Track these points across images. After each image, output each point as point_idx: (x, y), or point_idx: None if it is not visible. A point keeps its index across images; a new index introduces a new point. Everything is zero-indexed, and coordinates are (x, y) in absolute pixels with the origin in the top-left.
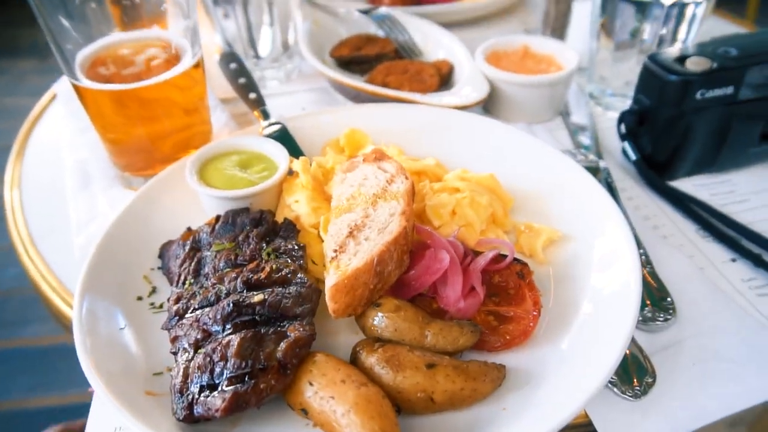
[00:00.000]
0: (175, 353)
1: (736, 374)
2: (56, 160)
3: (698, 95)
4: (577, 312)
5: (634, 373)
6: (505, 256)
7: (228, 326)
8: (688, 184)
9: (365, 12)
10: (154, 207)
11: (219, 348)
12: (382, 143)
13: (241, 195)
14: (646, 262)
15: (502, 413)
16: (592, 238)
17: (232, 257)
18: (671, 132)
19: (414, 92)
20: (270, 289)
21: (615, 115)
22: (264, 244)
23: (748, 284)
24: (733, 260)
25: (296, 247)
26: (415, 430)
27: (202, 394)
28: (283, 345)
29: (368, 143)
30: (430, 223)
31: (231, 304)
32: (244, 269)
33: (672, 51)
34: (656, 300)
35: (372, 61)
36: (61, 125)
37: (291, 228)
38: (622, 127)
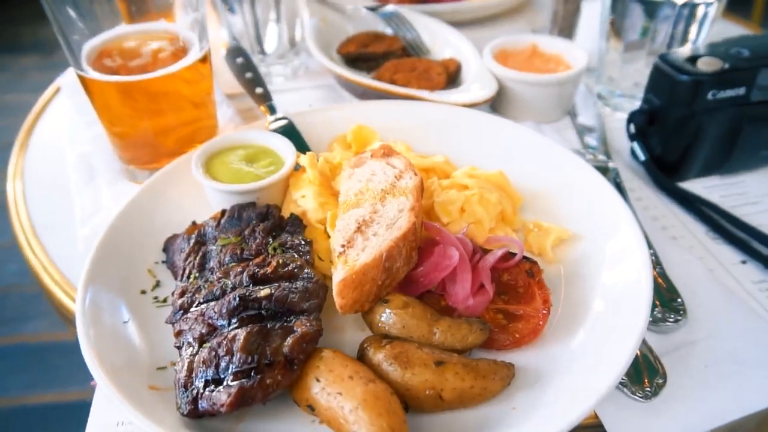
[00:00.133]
0: (179, 347)
1: (747, 376)
2: (59, 154)
3: (709, 96)
4: (588, 311)
5: (644, 374)
6: (515, 254)
7: (234, 320)
8: (698, 186)
9: (373, 9)
10: (159, 200)
11: (225, 342)
12: (389, 140)
13: (248, 189)
14: (656, 263)
15: (511, 412)
16: (602, 238)
17: (238, 251)
18: (681, 132)
19: (422, 90)
20: (276, 284)
21: (623, 116)
22: (270, 239)
23: (758, 286)
24: (744, 262)
25: (303, 243)
26: (424, 428)
27: (207, 389)
28: (289, 340)
29: (376, 139)
30: (438, 219)
31: (237, 298)
32: (250, 263)
33: (683, 51)
34: (666, 301)
35: (379, 59)
36: (65, 119)
37: (298, 223)
38: (632, 127)
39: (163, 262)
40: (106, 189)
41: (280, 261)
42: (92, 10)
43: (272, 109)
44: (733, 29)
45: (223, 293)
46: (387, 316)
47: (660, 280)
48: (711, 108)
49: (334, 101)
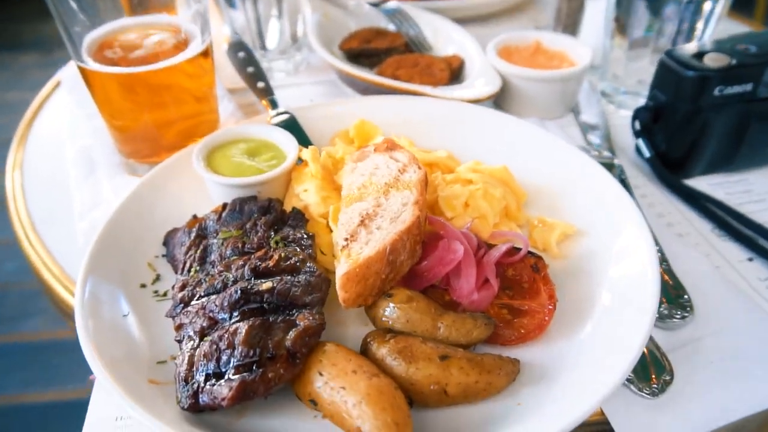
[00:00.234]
0: (179, 341)
1: (754, 374)
2: (59, 148)
3: (716, 92)
4: (594, 307)
5: (651, 371)
6: (519, 250)
7: (235, 314)
8: (703, 183)
9: (375, 5)
10: (159, 194)
11: (226, 336)
12: (392, 135)
13: (249, 183)
14: (662, 260)
15: (517, 408)
16: (608, 233)
17: (240, 245)
18: (687, 129)
19: (425, 85)
20: (278, 278)
21: (628, 114)
22: (272, 233)
23: (765, 283)
24: (750, 259)
25: (305, 236)
26: (428, 423)
27: (208, 383)
28: (292, 334)
29: (378, 135)
30: (442, 214)
31: (239, 291)
32: (252, 257)
33: (689, 47)
34: (673, 297)
35: (381, 55)
36: (64, 112)
37: (300, 217)
38: (637, 124)
39: (163, 255)
40: (106, 182)
41: (282, 254)
42: (94, 1)
43: (274, 104)
44: (737, 28)
45: (225, 286)
46: (391, 311)
47: (666, 277)
48: (717, 104)
49: (336, 97)
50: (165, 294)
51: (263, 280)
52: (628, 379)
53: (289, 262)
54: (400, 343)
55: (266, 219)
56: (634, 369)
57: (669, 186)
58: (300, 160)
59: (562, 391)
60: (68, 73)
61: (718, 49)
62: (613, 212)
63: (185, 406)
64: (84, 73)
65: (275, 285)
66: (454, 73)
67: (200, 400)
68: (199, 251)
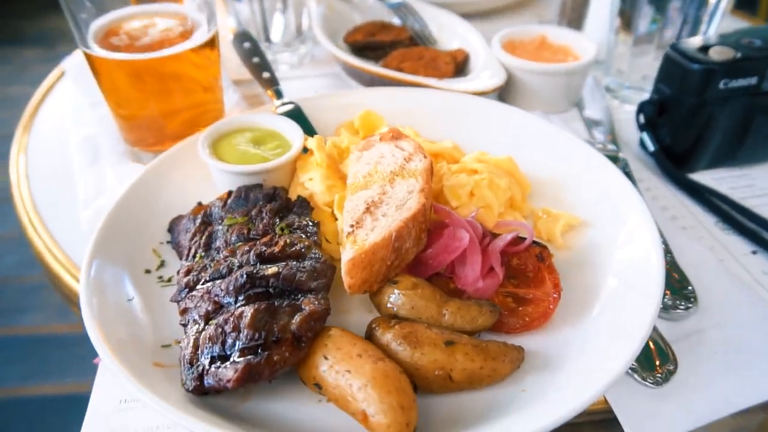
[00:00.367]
0: (184, 325)
1: (758, 366)
2: (63, 136)
3: (721, 85)
4: (598, 296)
5: (655, 360)
6: (524, 239)
7: (240, 298)
8: (707, 177)
9: None
10: (164, 182)
11: (231, 319)
12: (397, 126)
13: (255, 170)
14: (666, 251)
15: (521, 395)
16: (612, 224)
17: (245, 231)
18: (692, 122)
19: (429, 78)
20: (284, 263)
21: (632, 109)
22: (277, 220)
23: None
24: (754, 252)
25: (310, 224)
26: (433, 408)
27: (213, 366)
28: (297, 318)
29: (383, 126)
30: (447, 203)
31: (244, 276)
32: (258, 243)
33: (694, 41)
34: (677, 289)
35: (386, 48)
36: (69, 101)
37: (305, 205)
38: (641, 118)
39: (167, 242)
40: (110, 170)
41: (288, 241)
42: None
43: (279, 94)
44: (741, 26)
45: (230, 271)
46: (396, 297)
47: (670, 268)
48: (722, 97)
49: (340, 89)
50: (169, 280)
51: (269, 266)
52: (632, 369)
53: (294, 248)
54: (405, 329)
55: (271, 206)
56: (638, 358)
57: (673, 180)
58: (305, 150)
59: (567, 379)
60: (73, 62)
61: (723, 43)
62: (618, 204)
63: (190, 388)
64: (90, 60)
65: (281, 270)
66: (459, 66)
67: (205, 382)
68: (204, 237)
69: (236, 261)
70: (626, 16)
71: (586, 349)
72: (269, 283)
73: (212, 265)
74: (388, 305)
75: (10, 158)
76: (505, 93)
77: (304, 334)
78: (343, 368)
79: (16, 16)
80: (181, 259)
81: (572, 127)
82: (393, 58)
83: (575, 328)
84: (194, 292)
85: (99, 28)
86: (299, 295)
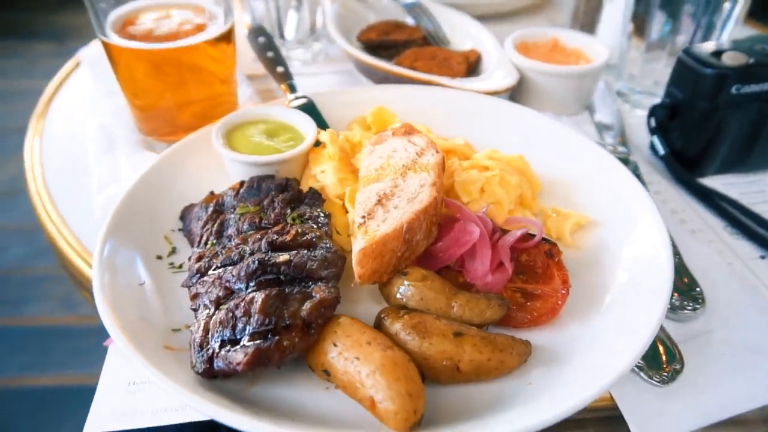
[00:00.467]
0: (195, 309)
1: (764, 368)
2: (78, 125)
3: (733, 90)
4: (606, 294)
5: (662, 359)
6: (534, 236)
7: (252, 284)
8: (717, 183)
9: None
10: (177, 171)
11: (242, 304)
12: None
13: (268, 161)
14: (675, 253)
15: (528, 388)
16: (622, 223)
17: (257, 220)
18: (703, 127)
19: (442, 77)
20: (295, 251)
21: (643, 113)
22: (289, 210)
23: None
24: (763, 257)
25: (322, 215)
26: (440, 399)
27: (223, 349)
28: (308, 304)
29: (395, 122)
30: (458, 199)
31: (256, 262)
32: (269, 231)
33: (707, 45)
34: (685, 290)
35: (399, 47)
36: (85, 90)
37: (316, 197)
38: (652, 121)
39: (179, 230)
40: (124, 159)
41: (299, 230)
42: None
43: (292, 88)
44: (752, 33)
45: (241, 258)
46: (405, 288)
47: (678, 270)
48: (735, 102)
49: (353, 86)
50: (180, 266)
51: (280, 253)
52: (638, 367)
53: (305, 238)
54: (414, 319)
55: (283, 197)
56: (645, 357)
57: (683, 183)
58: (318, 143)
59: (573, 373)
60: (89, 53)
61: (736, 48)
62: (629, 206)
63: (199, 371)
64: (108, 49)
65: (292, 258)
66: (471, 66)
67: (215, 365)
68: (216, 225)
69: (248, 248)
70: (639, 22)
71: (593, 345)
72: (280, 270)
73: (224, 252)
74: (398, 296)
75: (25, 144)
76: (516, 94)
77: (314, 320)
78: (352, 355)
79: (29, 10)
80: (192, 246)
81: (583, 130)
82: (406, 56)
83: (583, 325)
84: (205, 278)
85: (117, 18)
86: (310, 283)
